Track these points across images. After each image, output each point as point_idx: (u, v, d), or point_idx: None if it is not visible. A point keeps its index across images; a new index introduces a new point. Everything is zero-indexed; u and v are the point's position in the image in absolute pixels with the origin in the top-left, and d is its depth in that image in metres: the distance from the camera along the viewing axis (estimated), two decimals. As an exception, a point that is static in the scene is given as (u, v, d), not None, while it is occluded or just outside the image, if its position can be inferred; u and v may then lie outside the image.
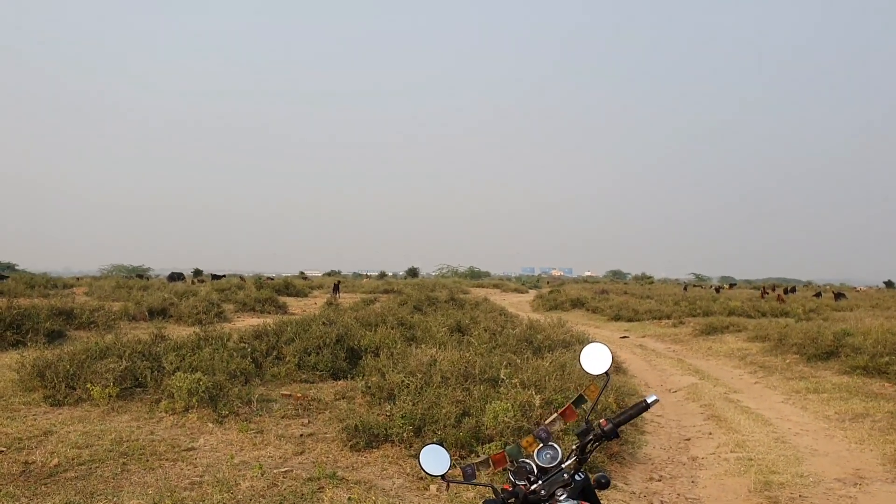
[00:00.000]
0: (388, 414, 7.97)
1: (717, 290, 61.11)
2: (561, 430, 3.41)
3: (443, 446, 2.67)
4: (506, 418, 7.09)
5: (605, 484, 2.61)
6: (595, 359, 2.73)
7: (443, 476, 2.58)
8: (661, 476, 7.18)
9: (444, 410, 7.43)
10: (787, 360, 15.05)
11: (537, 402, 7.66)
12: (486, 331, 14.49)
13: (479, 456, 6.69)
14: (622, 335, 23.24)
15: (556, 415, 2.98)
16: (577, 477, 2.56)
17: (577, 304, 36.86)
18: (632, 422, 9.24)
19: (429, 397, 7.90)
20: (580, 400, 2.95)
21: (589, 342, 2.75)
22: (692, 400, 11.39)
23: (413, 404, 7.71)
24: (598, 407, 7.71)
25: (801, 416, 9.86)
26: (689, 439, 8.78)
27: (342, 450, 7.37)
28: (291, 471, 6.52)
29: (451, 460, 2.64)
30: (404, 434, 7.29)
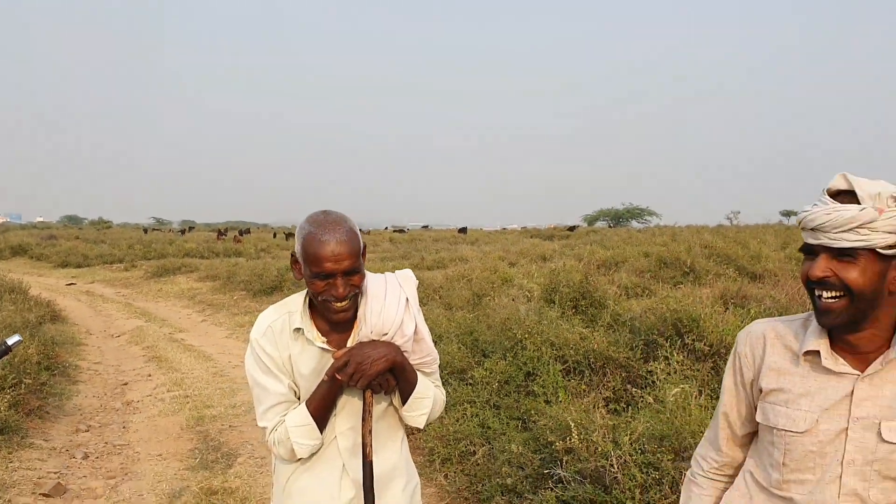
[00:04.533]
0: None
1: (183, 232, 61.66)
2: None
3: None
4: None
5: None
6: None
7: None
8: (90, 426, 6.64)
9: None
10: (235, 297, 15.61)
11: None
12: None
13: None
14: (69, 282, 21.39)
15: None
16: None
17: (19, 251, 32.89)
18: (63, 372, 8.48)
19: None
20: None
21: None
22: (135, 343, 10.94)
23: None
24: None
25: (241, 349, 10.21)
26: (126, 384, 8.36)
27: None
28: None
29: None
30: None
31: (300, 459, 2.01)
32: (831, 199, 1.51)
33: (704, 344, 5.41)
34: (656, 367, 5.01)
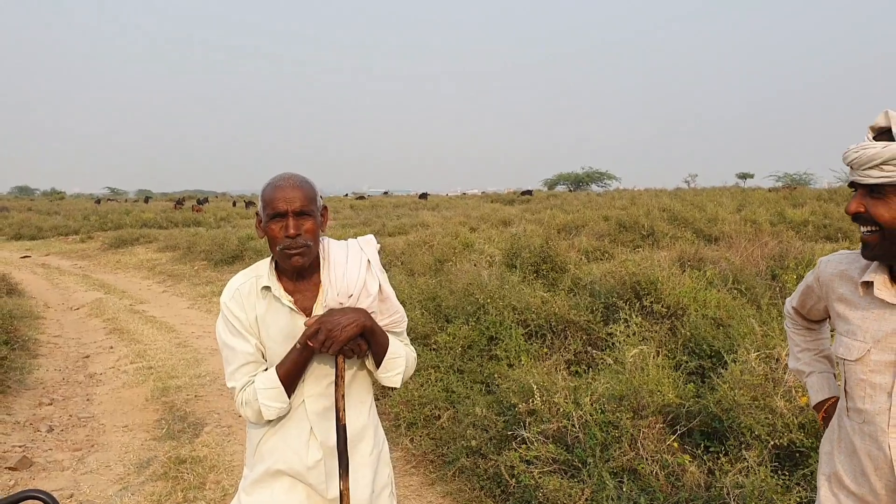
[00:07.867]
0: None
1: (146, 200, 62.71)
2: None
3: None
4: None
5: None
6: None
7: None
8: (53, 399, 6.60)
9: None
10: (196, 267, 15.47)
11: None
12: None
13: None
14: (23, 255, 20.96)
15: None
16: None
17: (-31, 224, 32.08)
18: (23, 346, 8.38)
19: None
20: None
21: None
22: (95, 315, 10.82)
23: None
24: None
25: (204, 319, 10.17)
26: (88, 356, 8.30)
27: None
28: None
29: None
30: None
31: (269, 422, 2.06)
32: (869, 137, 1.55)
33: (662, 306, 5.56)
34: (616, 330, 5.14)
